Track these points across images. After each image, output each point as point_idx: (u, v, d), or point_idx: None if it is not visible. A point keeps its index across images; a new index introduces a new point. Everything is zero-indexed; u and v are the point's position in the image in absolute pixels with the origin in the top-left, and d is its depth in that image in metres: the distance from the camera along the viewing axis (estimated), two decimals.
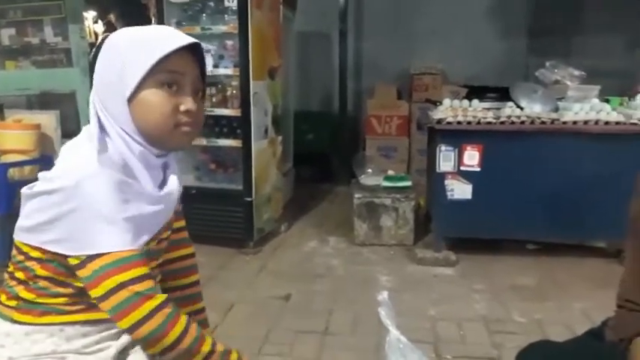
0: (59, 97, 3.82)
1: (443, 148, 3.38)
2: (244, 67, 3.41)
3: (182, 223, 1.30)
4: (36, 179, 1.00)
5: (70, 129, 3.45)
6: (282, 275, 3.25)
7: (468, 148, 3.34)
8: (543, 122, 3.26)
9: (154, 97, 0.98)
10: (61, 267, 0.98)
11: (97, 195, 0.93)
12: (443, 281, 3.17)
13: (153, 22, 3.75)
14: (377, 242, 3.72)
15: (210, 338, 1.04)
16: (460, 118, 3.32)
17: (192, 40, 1.01)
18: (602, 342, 1.24)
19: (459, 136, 3.34)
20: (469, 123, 3.31)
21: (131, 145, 1.00)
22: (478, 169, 3.36)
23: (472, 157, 3.35)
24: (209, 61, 3.50)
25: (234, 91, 3.56)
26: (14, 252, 1.03)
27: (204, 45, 1.05)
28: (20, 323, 1.02)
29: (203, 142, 3.59)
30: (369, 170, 4.09)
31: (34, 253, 0.99)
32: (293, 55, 5.09)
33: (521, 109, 3.34)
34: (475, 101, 3.47)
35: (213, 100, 3.60)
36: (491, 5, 5.56)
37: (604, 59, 4.66)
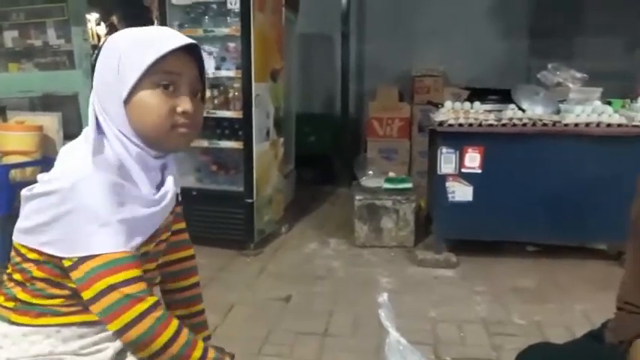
0: (61, 99, 3.84)
1: (444, 150, 3.38)
2: (246, 69, 3.41)
3: (182, 225, 1.29)
4: (37, 181, 1.00)
5: (72, 131, 3.45)
6: (282, 277, 3.25)
7: (469, 150, 3.34)
8: (545, 124, 3.26)
9: (150, 98, 0.98)
10: (57, 269, 0.98)
11: (92, 197, 0.93)
12: (443, 283, 3.16)
13: (155, 24, 3.76)
14: (377, 244, 3.72)
15: (202, 343, 1.02)
16: (461, 120, 3.32)
17: (188, 40, 1.00)
18: (601, 344, 1.24)
19: (460, 138, 3.34)
20: (470, 125, 3.31)
21: (128, 147, 1.00)
22: (479, 171, 3.36)
23: (473, 160, 3.35)
24: (211, 64, 3.50)
25: (236, 93, 3.56)
26: (13, 253, 1.03)
27: (206, 47, 1.05)
28: (18, 324, 1.02)
29: (204, 143, 3.60)
30: (370, 172, 4.10)
31: (32, 255, 0.99)
32: (295, 58, 5.10)
33: (523, 111, 3.34)
34: (476, 103, 3.48)
35: (215, 102, 3.60)
36: (492, 6, 5.55)
37: (606, 61, 4.66)
